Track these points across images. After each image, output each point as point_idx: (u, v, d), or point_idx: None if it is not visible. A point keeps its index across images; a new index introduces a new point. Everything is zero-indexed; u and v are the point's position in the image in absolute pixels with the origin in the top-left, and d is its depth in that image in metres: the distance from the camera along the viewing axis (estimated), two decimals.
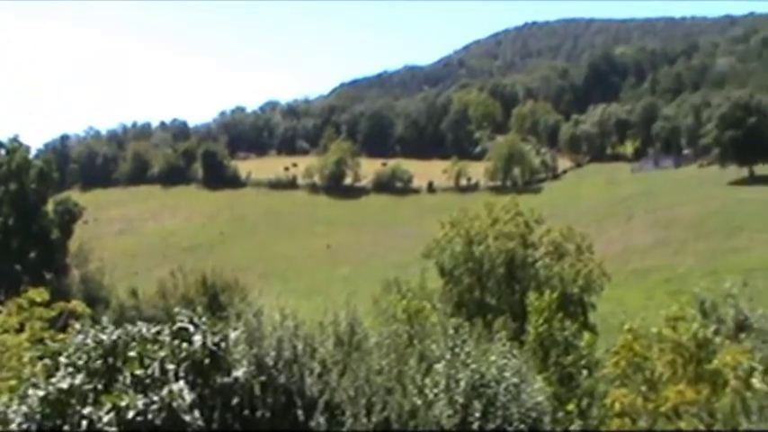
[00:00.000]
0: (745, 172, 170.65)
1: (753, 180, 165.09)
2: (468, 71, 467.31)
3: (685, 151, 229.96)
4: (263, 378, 14.25)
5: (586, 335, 22.12)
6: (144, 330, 13.24)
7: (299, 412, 14.42)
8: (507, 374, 15.76)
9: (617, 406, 17.39)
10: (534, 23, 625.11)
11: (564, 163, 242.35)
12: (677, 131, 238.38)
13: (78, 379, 12.13)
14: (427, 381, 15.45)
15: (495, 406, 15.26)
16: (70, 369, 12.33)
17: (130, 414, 11.67)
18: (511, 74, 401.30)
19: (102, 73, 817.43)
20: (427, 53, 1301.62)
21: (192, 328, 13.36)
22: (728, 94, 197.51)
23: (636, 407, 17.21)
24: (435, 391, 15.21)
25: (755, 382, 16.19)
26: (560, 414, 17.98)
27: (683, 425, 16.16)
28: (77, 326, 13.06)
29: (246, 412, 13.87)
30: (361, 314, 17.52)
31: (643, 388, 17.94)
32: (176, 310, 13.81)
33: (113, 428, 11.53)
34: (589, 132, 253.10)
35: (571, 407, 18.52)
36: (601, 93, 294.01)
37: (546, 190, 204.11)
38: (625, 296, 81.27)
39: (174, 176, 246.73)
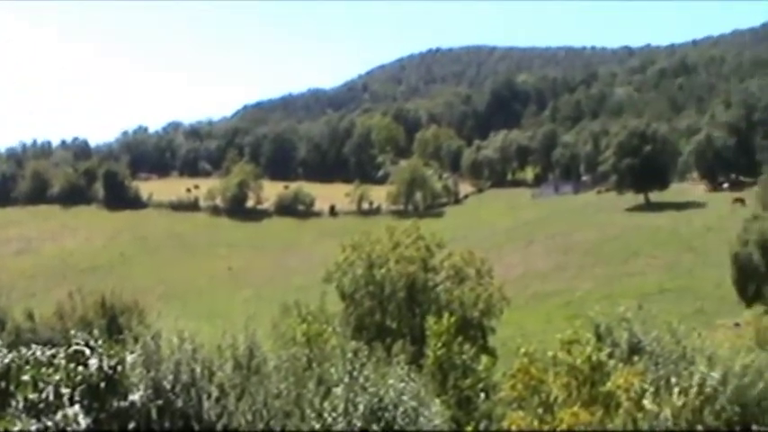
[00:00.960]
0: (641, 198, 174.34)
1: (649, 206, 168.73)
2: (372, 95, 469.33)
3: (584, 178, 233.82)
4: (160, 402, 14.11)
5: (484, 358, 22.35)
6: (38, 353, 13.02)
7: None
8: (406, 398, 15.82)
9: (513, 428, 17.60)
10: (438, 50, 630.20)
11: (465, 188, 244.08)
12: (576, 158, 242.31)
13: None
14: (326, 404, 15.44)
15: (394, 429, 15.32)
16: None
17: None
18: (414, 99, 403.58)
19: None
20: (331, 77, 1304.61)
21: (88, 351, 13.18)
22: (626, 122, 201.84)
23: (532, 429, 17.44)
24: (334, 414, 15.21)
25: (647, 403, 16.61)
26: None
27: None
28: None
29: None
30: (261, 337, 17.45)
31: (539, 410, 18.22)
32: (73, 332, 13.62)
33: None
34: (491, 158, 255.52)
35: (469, 429, 18.67)
36: (503, 119, 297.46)
37: (447, 214, 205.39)
38: (524, 320, 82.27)
39: (74, 196, 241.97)
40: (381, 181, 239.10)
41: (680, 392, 16.58)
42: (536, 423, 17.55)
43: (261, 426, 14.93)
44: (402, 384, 16.09)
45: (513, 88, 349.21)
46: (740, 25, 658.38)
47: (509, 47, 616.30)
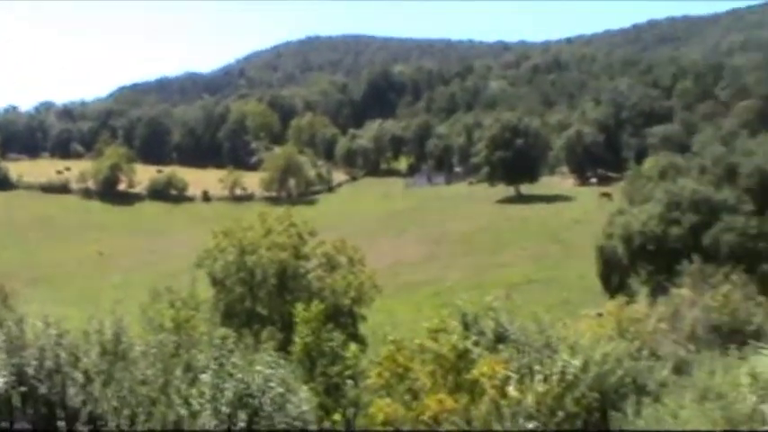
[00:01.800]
0: (512, 191, 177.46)
1: (519, 199, 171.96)
2: (249, 81, 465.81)
3: (457, 169, 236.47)
4: (23, 388, 13.81)
5: (353, 346, 22.50)
6: None
7: (61, 423, 14.05)
8: (273, 384, 15.82)
9: (380, 415, 17.77)
10: (317, 37, 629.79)
11: (339, 176, 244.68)
12: (450, 149, 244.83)
13: None
14: (193, 391, 15.33)
15: (260, 416, 15.31)
16: None
17: None
18: (290, 86, 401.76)
19: None
20: (208, 61, 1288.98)
21: None
22: (499, 116, 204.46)
23: (398, 416, 17.65)
24: (201, 401, 15.11)
25: (510, 389, 17.00)
26: (326, 423, 18.22)
27: (441, 431, 16.76)
28: None
29: (5, 424, 13.42)
30: (129, 323, 17.22)
31: (406, 397, 18.44)
32: None
33: None
34: (365, 147, 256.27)
35: (337, 416, 18.80)
36: (378, 109, 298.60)
37: (321, 202, 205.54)
38: (395, 308, 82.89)
39: None
40: (255, 167, 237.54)
41: (542, 380, 17.00)
42: (402, 410, 17.76)
43: (127, 412, 14.74)
44: (269, 371, 16.07)
45: (390, 78, 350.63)
46: (612, 26, 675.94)
47: (387, 37, 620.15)
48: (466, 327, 21.46)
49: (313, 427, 16.66)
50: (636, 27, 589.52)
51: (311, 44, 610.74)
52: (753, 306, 36.60)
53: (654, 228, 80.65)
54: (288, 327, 32.08)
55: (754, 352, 16.41)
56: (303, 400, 16.38)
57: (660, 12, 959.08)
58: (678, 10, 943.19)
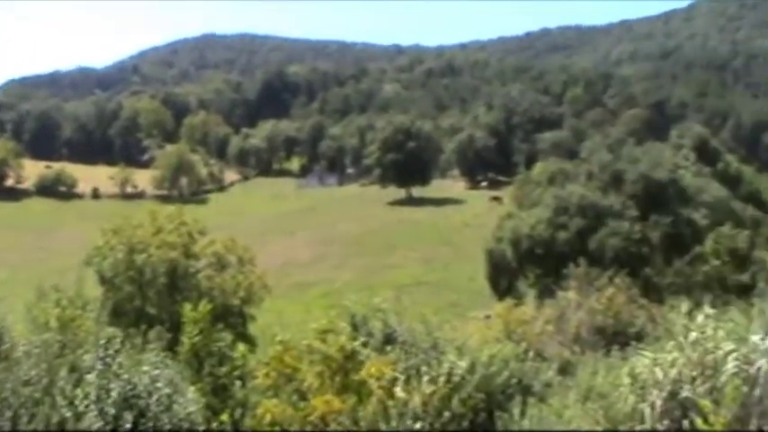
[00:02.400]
0: (403, 193, 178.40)
1: (410, 201, 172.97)
2: (142, 78, 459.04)
3: (349, 170, 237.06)
4: None
5: (241, 346, 22.39)
6: None
7: None
8: (160, 385, 15.64)
9: (268, 416, 17.73)
10: (213, 35, 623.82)
11: (231, 175, 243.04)
12: (342, 151, 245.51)
13: None
14: (78, 391, 15.05)
15: (147, 417, 15.12)
16: None
17: None
18: (185, 84, 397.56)
19: None
20: (102, 56, 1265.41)
21: None
22: (392, 118, 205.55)
23: (286, 416, 17.62)
24: (86, 402, 14.84)
25: (398, 390, 17.11)
26: (214, 424, 18.10)
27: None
28: None
29: None
30: (14, 322, 16.84)
31: (293, 398, 18.42)
32: None
33: None
34: (258, 147, 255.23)
35: (224, 417, 18.68)
36: (272, 109, 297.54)
37: (212, 201, 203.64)
38: (285, 308, 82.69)
39: None
40: (147, 165, 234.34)
41: (429, 381, 17.14)
42: (290, 411, 17.74)
43: (9, 414, 14.42)
44: (156, 371, 15.88)
45: (284, 79, 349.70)
46: (505, 33, 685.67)
47: (283, 37, 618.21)
48: (354, 328, 21.55)
49: (200, 427, 16.51)
50: (529, 35, 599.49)
51: (207, 42, 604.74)
52: (635, 308, 37.52)
53: (542, 232, 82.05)
54: (177, 327, 31.79)
55: (634, 353, 16.81)
56: (190, 400, 16.23)
57: (553, 21, 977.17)
58: (570, 19, 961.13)
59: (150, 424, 15.09)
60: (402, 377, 17.60)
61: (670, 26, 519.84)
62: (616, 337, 32.02)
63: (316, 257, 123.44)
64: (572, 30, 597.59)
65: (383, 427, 16.32)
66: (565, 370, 24.11)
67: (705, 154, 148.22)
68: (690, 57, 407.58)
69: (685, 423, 14.35)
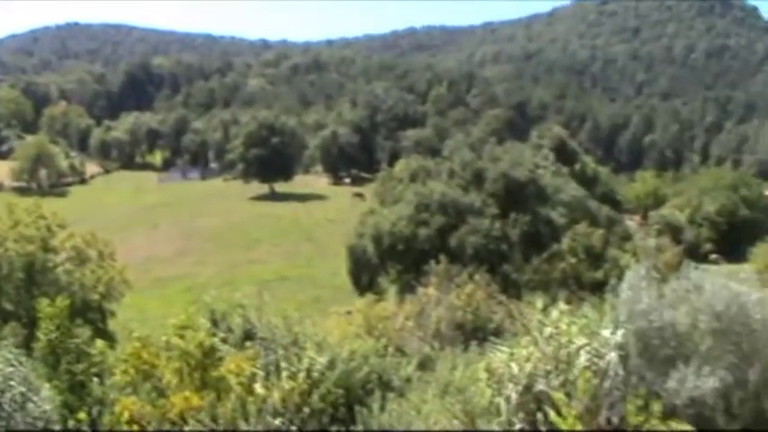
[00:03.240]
0: (266, 188, 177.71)
1: (273, 196, 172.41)
2: (1, 66, 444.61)
3: (212, 165, 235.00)
4: None
5: (99, 342, 21.97)
6: None
7: None
8: (13, 383, 15.28)
9: (126, 414, 17.48)
10: (76, 24, 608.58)
11: (93, 168, 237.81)
12: (206, 145, 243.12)
13: None
14: None
15: (0, 416, 14.79)
16: None
17: None
18: (46, 73, 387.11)
19: None
20: None
21: None
22: (256, 113, 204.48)
23: (144, 414, 17.40)
24: None
25: (257, 387, 17.10)
26: (70, 423, 17.75)
27: (187, 429, 16.65)
28: None
29: None
30: None
31: (152, 395, 18.20)
32: None
33: None
34: (120, 139, 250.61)
35: (81, 415, 18.32)
36: (135, 101, 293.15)
37: (72, 194, 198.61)
38: (146, 304, 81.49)
39: None
40: (5, 156, 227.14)
41: (289, 377, 17.17)
42: (148, 408, 17.53)
43: None
44: (10, 369, 15.52)
45: (148, 70, 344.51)
46: (372, 31, 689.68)
47: (148, 28, 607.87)
48: (214, 323, 21.42)
49: (56, 426, 16.20)
50: (395, 33, 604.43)
51: (70, 30, 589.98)
52: (494, 305, 38.19)
53: (403, 228, 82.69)
54: (34, 322, 31.07)
55: (492, 348, 17.19)
56: (45, 398, 15.90)
57: (419, 20, 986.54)
58: (436, 20, 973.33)
59: (3, 423, 14.75)
60: (261, 373, 17.58)
61: (532, 30, 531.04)
62: (475, 333, 32.54)
63: (178, 252, 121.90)
64: (437, 30, 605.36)
65: (242, 423, 16.30)
66: (424, 365, 24.37)
67: (563, 154, 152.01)
68: (551, 60, 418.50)
69: (539, 415, 14.77)
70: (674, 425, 13.77)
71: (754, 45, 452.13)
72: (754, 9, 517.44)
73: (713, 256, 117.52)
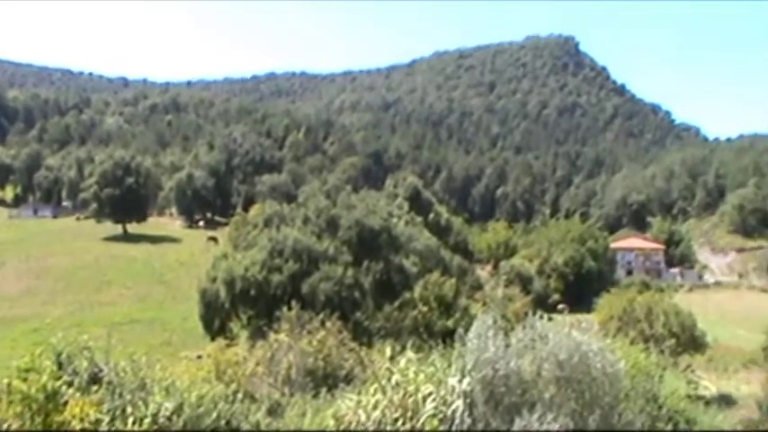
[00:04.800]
0: (120, 229, 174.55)
1: (126, 237, 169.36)
2: None
3: (65, 203, 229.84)
4: None
5: None
6: None
7: None
8: None
9: None
10: None
11: None
12: (59, 182, 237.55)
13: None
14: None
15: None
16: None
17: None
18: None
19: None
20: None
21: None
22: (112, 152, 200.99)
23: None
24: None
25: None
26: None
27: None
28: None
29: None
30: None
31: None
32: None
33: None
34: None
35: None
36: None
37: None
38: None
39: None
40: None
41: (134, 422, 16.93)
42: None
43: None
44: None
45: (3, 103, 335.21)
46: (232, 74, 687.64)
47: (3, 59, 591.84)
48: (60, 366, 20.91)
49: None
50: (255, 78, 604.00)
51: None
52: (346, 352, 38.37)
53: (256, 273, 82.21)
54: None
55: (341, 395, 17.34)
56: None
57: (279, 65, 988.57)
58: (297, 65, 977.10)
59: None
60: (106, 418, 17.27)
61: (392, 79, 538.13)
62: (326, 380, 32.69)
63: (25, 291, 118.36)
64: (297, 76, 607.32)
65: None
66: (274, 411, 24.33)
67: (418, 203, 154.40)
68: (409, 110, 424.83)
69: None
70: None
71: (603, 104, 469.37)
72: (604, 69, 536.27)
73: (560, 306, 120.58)
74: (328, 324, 41.24)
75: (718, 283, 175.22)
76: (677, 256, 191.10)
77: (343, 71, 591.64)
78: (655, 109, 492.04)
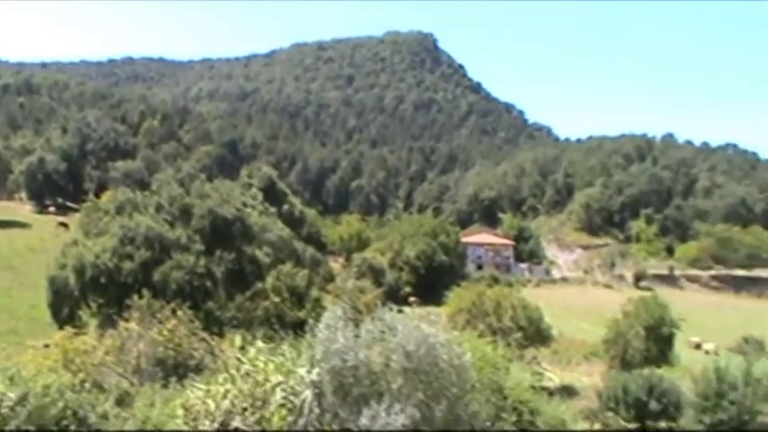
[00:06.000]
0: None
1: None
2: None
3: None
4: None
5: None
6: None
7: None
8: None
9: None
10: None
11: None
12: None
13: None
14: None
15: None
16: None
17: None
18: None
19: None
20: None
21: None
22: None
23: None
24: None
25: None
26: None
27: None
28: None
29: None
30: None
31: None
32: None
33: None
34: None
35: None
36: None
37: None
38: None
39: None
40: None
41: None
42: None
43: None
44: None
45: None
46: (89, 57, 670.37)
47: None
48: None
49: None
50: (112, 61, 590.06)
51: None
52: (196, 341, 38.26)
53: (107, 261, 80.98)
54: None
55: (190, 385, 17.40)
56: None
57: (137, 50, 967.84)
58: (155, 51, 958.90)
59: None
60: None
61: (250, 69, 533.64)
62: (176, 369, 32.56)
63: None
64: (155, 62, 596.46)
65: None
66: (123, 401, 24.19)
67: (272, 194, 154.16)
68: (266, 100, 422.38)
69: None
70: None
71: (458, 101, 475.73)
72: (461, 67, 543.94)
73: (412, 299, 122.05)
74: (179, 313, 41.05)
75: (564, 279, 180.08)
76: (526, 251, 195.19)
77: (201, 58, 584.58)
78: (509, 108, 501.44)
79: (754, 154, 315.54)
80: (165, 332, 36.62)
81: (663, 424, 48.53)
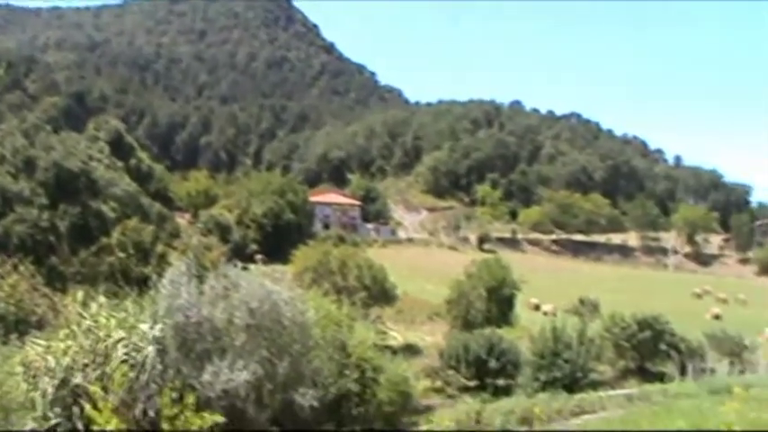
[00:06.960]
0: None
1: None
2: None
3: None
4: None
5: None
6: None
7: None
8: None
9: None
10: None
11: None
12: None
13: None
14: None
15: None
16: None
17: None
18: None
19: None
20: None
21: None
22: None
23: None
24: None
25: None
26: None
27: None
28: None
29: None
30: None
31: None
32: None
33: None
34: None
35: None
36: None
37: None
38: None
39: None
40: None
41: None
42: None
43: None
44: None
45: None
46: None
47: None
48: None
49: None
50: None
51: None
52: (38, 297, 37.55)
53: None
54: None
55: (30, 342, 17.24)
56: None
57: None
58: None
59: None
60: None
61: (101, 20, 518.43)
62: (17, 326, 31.93)
63: None
64: (1, 8, 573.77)
65: None
66: None
67: (120, 149, 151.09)
68: (116, 53, 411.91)
69: (76, 409, 15.07)
70: (206, 416, 14.57)
71: (311, 60, 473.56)
72: (315, 27, 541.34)
73: (258, 257, 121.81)
74: (21, 268, 40.19)
75: (410, 240, 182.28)
76: (373, 212, 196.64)
77: (50, 6, 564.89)
78: (360, 69, 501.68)
79: (597, 124, 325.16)
80: (6, 288, 35.84)
81: (501, 381, 50.06)
